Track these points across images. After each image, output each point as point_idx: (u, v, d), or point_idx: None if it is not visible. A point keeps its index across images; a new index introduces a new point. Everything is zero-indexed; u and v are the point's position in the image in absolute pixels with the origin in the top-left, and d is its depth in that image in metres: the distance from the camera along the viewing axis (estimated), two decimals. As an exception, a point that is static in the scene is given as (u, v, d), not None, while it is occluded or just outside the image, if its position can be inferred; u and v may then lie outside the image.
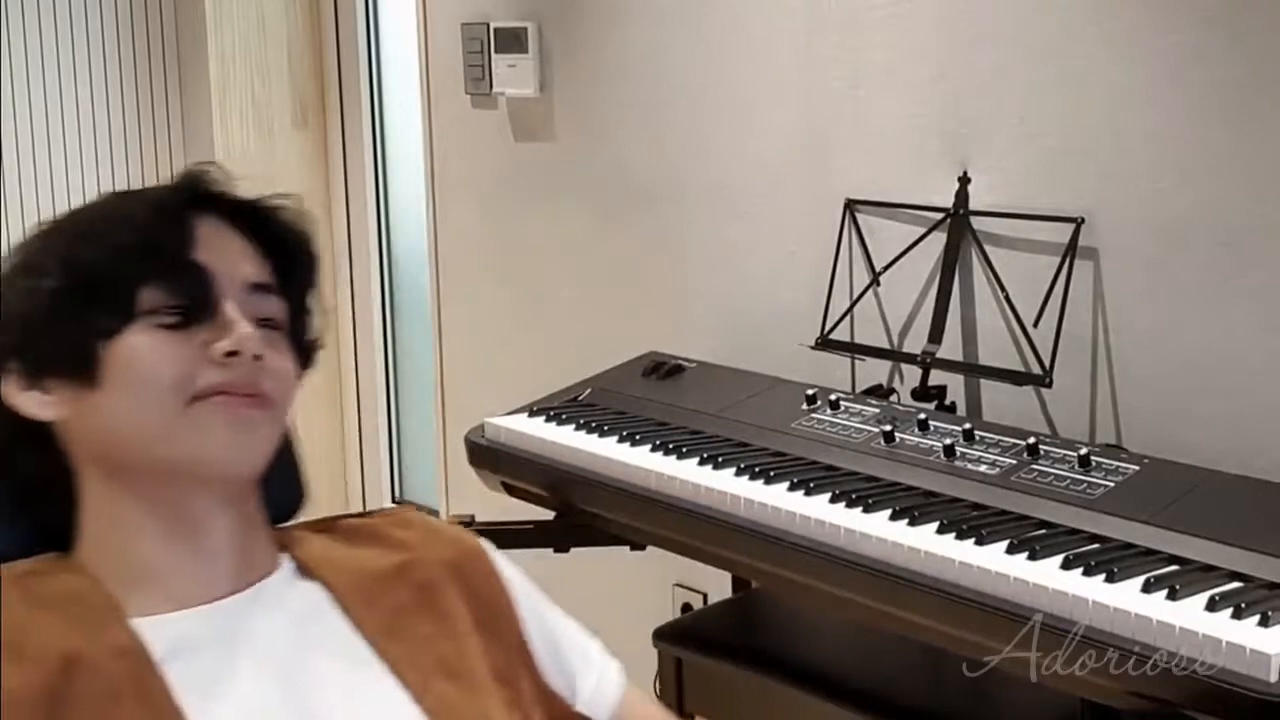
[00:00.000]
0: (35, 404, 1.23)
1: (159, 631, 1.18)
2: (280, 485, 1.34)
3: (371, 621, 1.25)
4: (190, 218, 1.25)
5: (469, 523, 2.52)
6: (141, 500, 1.22)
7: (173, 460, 1.20)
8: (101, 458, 1.23)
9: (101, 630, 1.17)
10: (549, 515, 2.52)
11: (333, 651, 1.24)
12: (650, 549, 2.43)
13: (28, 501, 1.27)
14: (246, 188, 1.31)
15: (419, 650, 1.25)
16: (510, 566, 1.39)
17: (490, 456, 2.55)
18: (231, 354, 1.20)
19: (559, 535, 2.51)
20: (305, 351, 1.32)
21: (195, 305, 1.21)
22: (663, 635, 2.48)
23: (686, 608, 3.03)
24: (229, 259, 1.25)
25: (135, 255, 1.21)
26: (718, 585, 2.84)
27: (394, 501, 4.54)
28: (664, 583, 3.10)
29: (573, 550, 2.53)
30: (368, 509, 4.55)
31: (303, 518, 1.42)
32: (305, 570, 1.29)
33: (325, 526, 1.37)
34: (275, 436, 1.26)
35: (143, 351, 1.20)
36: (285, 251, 1.30)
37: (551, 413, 2.54)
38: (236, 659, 1.20)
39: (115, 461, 1.22)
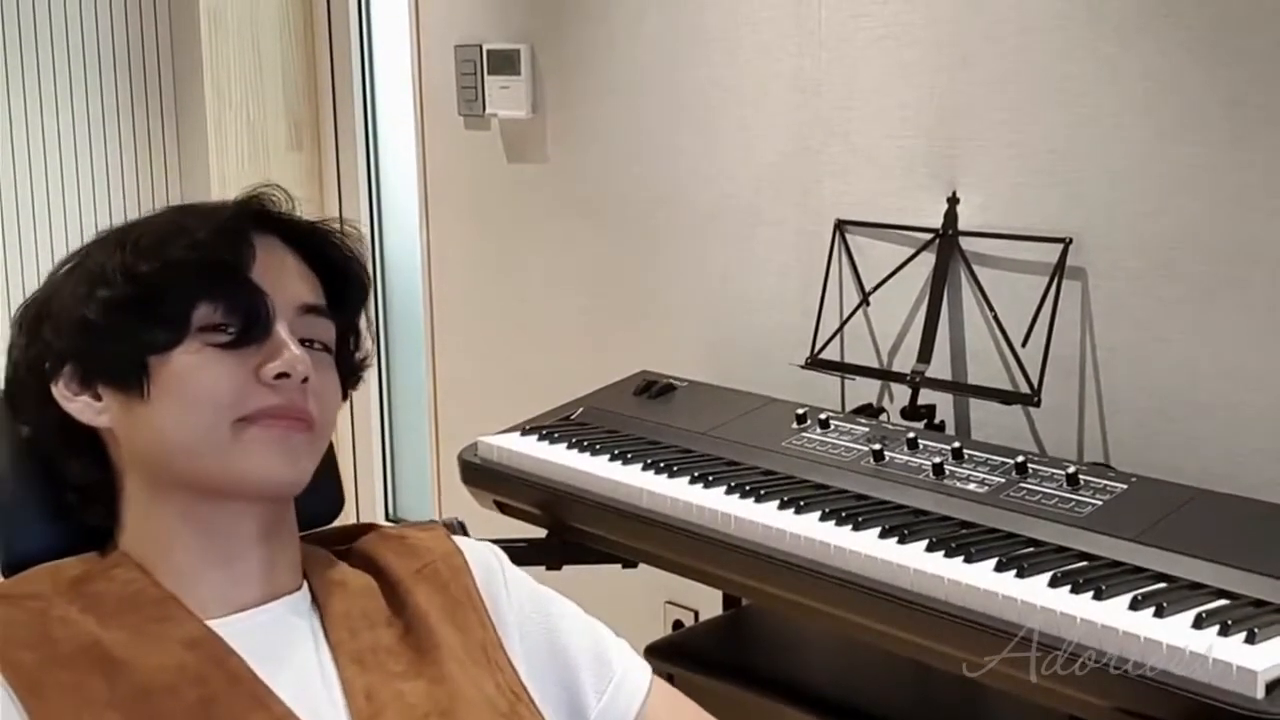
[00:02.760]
0: (87, 411, 1.26)
1: None
2: (318, 496, 1.38)
3: (346, 652, 1.26)
4: (250, 237, 1.27)
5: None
6: (180, 512, 1.25)
7: (217, 477, 1.23)
8: (146, 468, 1.25)
9: (169, 624, 1.20)
10: (541, 533, 2.52)
11: (311, 675, 1.25)
12: (642, 566, 2.44)
13: (73, 502, 1.30)
14: (304, 211, 1.33)
15: (380, 683, 1.25)
16: (506, 573, 1.40)
17: (483, 475, 2.56)
18: (281, 375, 1.23)
19: (551, 553, 2.51)
20: (351, 373, 1.37)
21: (249, 326, 1.23)
22: (654, 652, 2.48)
23: (678, 625, 3.03)
24: (283, 280, 1.27)
25: (193, 272, 1.23)
26: (709, 602, 2.85)
27: (387, 519, 4.55)
28: (655, 600, 3.11)
29: (565, 568, 2.53)
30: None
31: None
32: (316, 599, 1.30)
33: (348, 547, 1.39)
34: (318, 457, 1.29)
35: (195, 369, 1.22)
36: (338, 275, 1.33)
37: (544, 431, 2.55)
38: (272, 656, 1.23)
39: (159, 473, 1.24)
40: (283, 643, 1.25)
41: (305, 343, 1.27)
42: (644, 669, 1.41)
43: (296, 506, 1.33)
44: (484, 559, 1.40)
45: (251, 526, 1.26)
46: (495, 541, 2.54)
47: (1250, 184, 2.13)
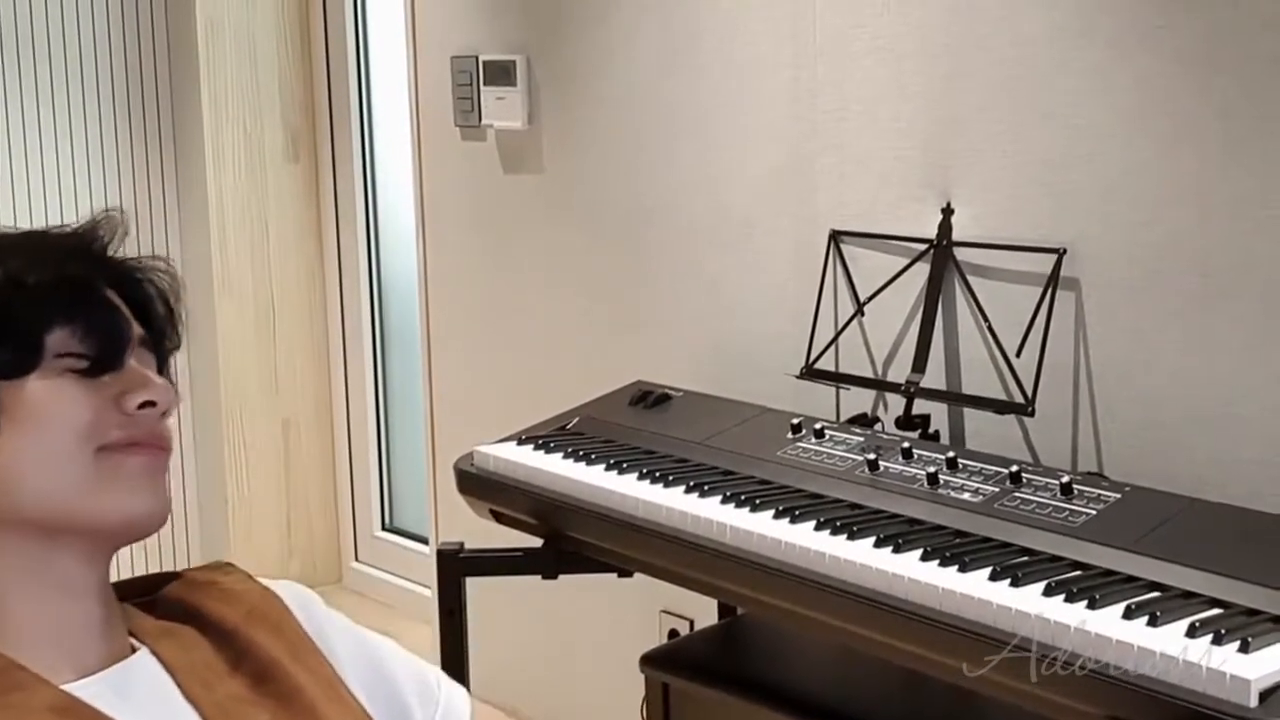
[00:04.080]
0: None
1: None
2: None
3: (208, 706, 1.20)
4: (100, 263, 1.22)
5: (456, 551, 2.54)
6: (18, 560, 1.15)
7: (76, 513, 1.15)
8: None
9: (24, 693, 1.12)
10: (538, 542, 2.52)
11: None
12: (637, 576, 2.45)
13: None
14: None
15: None
16: (321, 608, 1.35)
17: (479, 484, 2.57)
18: (146, 405, 1.17)
19: (547, 562, 2.52)
20: None
21: (106, 354, 1.17)
22: (650, 661, 2.49)
23: (673, 634, 3.04)
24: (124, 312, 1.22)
25: (48, 290, 1.16)
26: (704, 611, 2.85)
27: (384, 529, 4.55)
28: (651, 609, 3.11)
29: (561, 577, 2.54)
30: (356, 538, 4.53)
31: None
32: (156, 654, 1.22)
33: (151, 598, 1.30)
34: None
35: (52, 396, 1.14)
36: (153, 317, 1.26)
37: (540, 441, 2.56)
38: (144, 716, 1.16)
39: (13, 510, 1.14)
40: (148, 702, 1.17)
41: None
42: (464, 695, 1.39)
43: None
44: (298, 598, 1.33)
45: (93, 576, 1.18)
46: (491, 551, 2.58)
47: (1243, 195, 2.14)
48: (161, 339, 1.26)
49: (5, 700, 1.10)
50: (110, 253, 1.24)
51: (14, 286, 1.15)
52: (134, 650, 1.21)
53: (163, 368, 1.27)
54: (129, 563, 2.70)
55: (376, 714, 1.29)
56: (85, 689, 1.14)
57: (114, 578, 1.24)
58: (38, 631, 1.15)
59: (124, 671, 1.18)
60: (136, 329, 1.22)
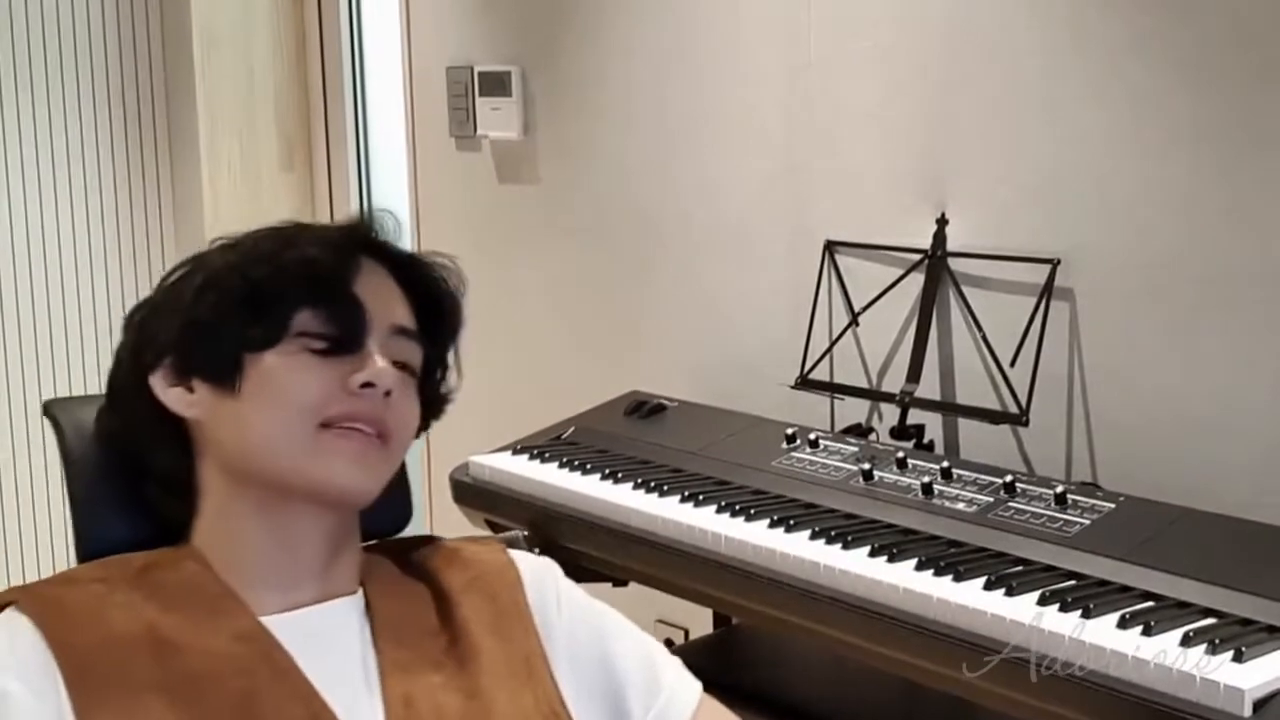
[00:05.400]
0: (179, 401, 1.31)
1: None
2: (386, 507, 1.42)
3: (391, 659, 1.29)
4: (357, 256, 1.34)
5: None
6: (253, 508, 1.30)
7: (292, 478, 1.27)
8: (226, 461, 1.30)
9: (223, 617, 1.25)
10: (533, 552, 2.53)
11: (355, 677, 1.28)
12: (632, 585, 2.45)
13: (152, 495, 1.36)
14: (410, 242, 1.39)
15: (420, 692, 1.27)
16: (558, 588, 1.43)
17: (475, 494, 2.57)
18: (366, 385, 1.28)
19: (542, 572, 2.52)
20: (433, 404, 1.43)
21: (344, 336, 1.29)
22: (645, 672, 2.49)
23: (668, 643, 3.03)
24: (381, 300, 1.34)
25: (301, 279, 1.29)
26: (699, 621, 2.85)
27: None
28: (646, 618, 3.10)
29: (556, 587, 2.54)
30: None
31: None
32: (369, 602, 1.34)
33: (407, 557, 1.42)
34: (390, 474, 1.33)
35: (287, 370, 1.27)
36: (433, 306, 1.41)
37: (535, 451, 2.56)
38: (319, 655, 1.26)
39: (238, 467, 1.29)
40: (331, 643, 1.28)
41: (393, 364, 1.31)
42: (693, 686, 1.43)
43: (364, 516, 1.37)
44: (538, 572, 1.43)
45: (319, 530, 1.31)
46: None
47: (1237, 205, 2.15)
48: (433, 329, 1.40)
49: (202, 619, 1.24)
50: (391, 243, 1.39)
51: (277, 272, 1.30)
52: (352, 594, 1.33)
53: (436, 357, 1.41)
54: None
55: (585, 697, 1.35)
56: (280, 621, 1.27)
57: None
58: (259, 564, 1.29)
59: (324, 611, 1.30)
60: (394, 318, 1.34)
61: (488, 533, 2.59)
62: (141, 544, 1.34)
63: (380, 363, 1.29)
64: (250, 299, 1.29)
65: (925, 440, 2.46)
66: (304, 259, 1.30)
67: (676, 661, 1.44)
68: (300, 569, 1.31)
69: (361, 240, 1.36)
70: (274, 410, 1.27)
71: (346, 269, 1.32)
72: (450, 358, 1.46)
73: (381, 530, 1.48)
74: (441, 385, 1.45)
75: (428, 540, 1.47)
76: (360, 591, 1.34)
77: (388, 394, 1.30)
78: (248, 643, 1.24)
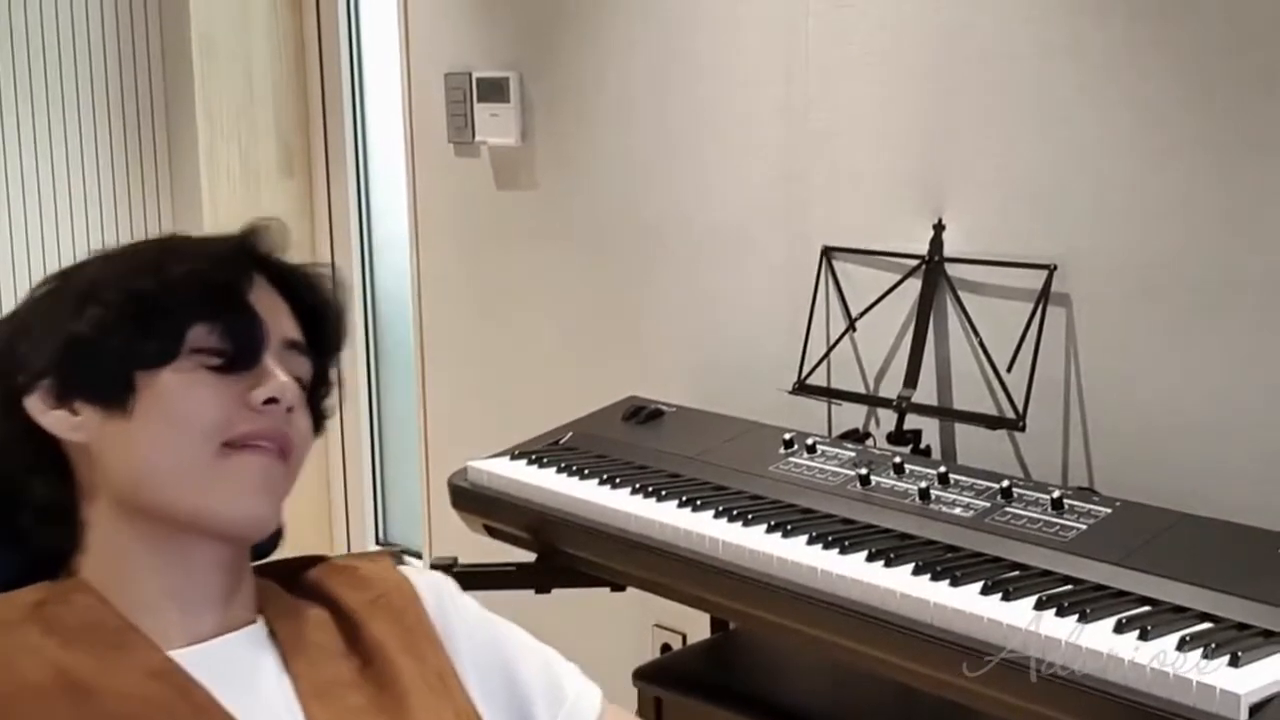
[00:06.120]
0: (62, 424, 1.24)
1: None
2: None
3: (307, 684, 1.25)
4: (250, 268, 1.29)
5: (449, 565, 2.54)
6: (146, 537, 1.23)
7: (191, 508, 1.22)
8: (117, 488, 1.23)
9: (129, 653, 1.19)
10: (531, 557, 2.53)
11: (276, 706, 1.24)
12: (630, 590, 2.45)
13: (27, 526, 1.27)
14: (294, 252, 1.34)
15: (342, 716, 1.24)
16: (455, 601, 1.40)
17: (473, 499, 2.57)
18: (269, 402, 1.23)
19: (540, 577, 2.53)
20: (317, 421, 1.36)
21: (241, 351, 1.24)
22: (643, 675, 2.50)
23: (666, 648, 3.04)
24: (273, 313, 1.28)
25: (193, 292, 1.24)
26: (697, 626, 2.86)
27: (377, 543, 4.55)
28: (644, 623, 3.12)
29: (554, 591, 2.55)
30: (350, 551, 4.55)
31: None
32: (272, 629, 1.29)
33: (296, 579, 1.37)
34: (288, 493, 1.28)
35: (185, 389, 1.22)
36: (318, 319, 1.34)
37: (533, 456, 2.56)
38: (236, 687, 1.21)
39: (130, 494, 1.23)
40: (245, 674, 1.23)
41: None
42: (594, 692, 1.41)
43: None
44: (433, 587, 1.39)
45: (218, 561, 1.25)
46: (485, 565, 2.58)
47: (1233, 210, 2.15)
48: (319, 342, 1.34)
49: (110, 658, 1.18)
50: (276, 256, 1.32)
51: (165, 285, 1.23)
52: (253, 623, 1.28)
53: (322, 370, 1.34)
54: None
55: (492, 708, 1.33)
56: (189, 656, 1.21)
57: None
58: (157, 598, 1.23)
59: (231, 642, 1.25)
60: (285, 331, 1.29)
61: (485, 537, 2.60)
62: (12, 581, 1.24)
63: (283, 377, 1.25)
64: (140, 313, 1.22)
65: (922, 445, 2.46)
66: (195, 271, 1.25)
67: (574, 667, 1.43)
68: (201, 601, 1.25)
69: (251, 252, 1.30)
70: (172, 432, 1.21)
71: (240, 281, 1.26)
72: (333, 373, 1.38)
73: (260, 551, 1.39)
74: (326, 400, 1.38)
75: (314, 560, 1.40)
76: (260, 619, 1.29)
77: (290, 409, 1.25)
78: (162, 680, 1.18)
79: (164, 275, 1.24)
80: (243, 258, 1.29)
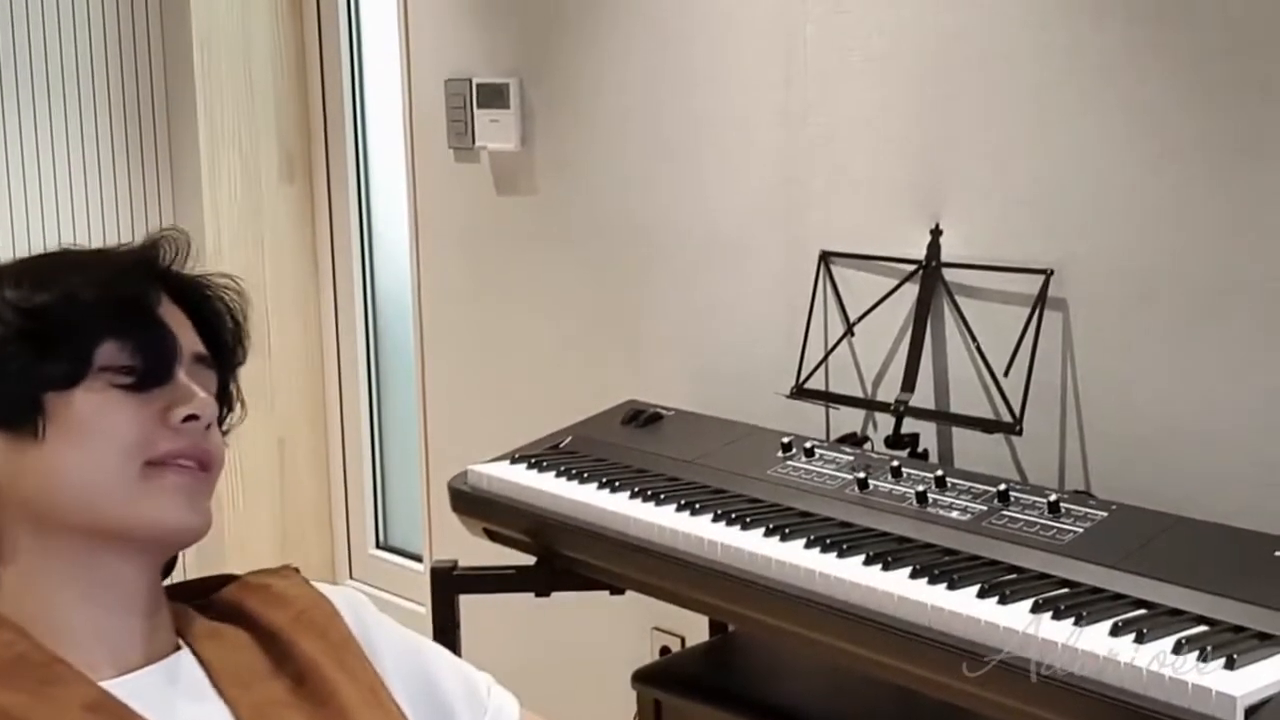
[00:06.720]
0: None
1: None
2: None
3: (244, 706, 1.23)
4: (156, 281, 1.25)
5: (450, 568, 2.55)
6: (67, 564, 1.19)
7: (119, 523, 1.18)
8: (32, 515, 1.18)
9: (61, 687, 1.15)
10: (530, 560, 2.54)
11: None
12: (629, 593, 2.46)
13: None
14: (192, 263, 1.30)
15: None
16: (372, 614, 1.38)
17: (473, 503, 2.58)
18: (190, 419, 1.20)
19: (540, 580, 2.53)
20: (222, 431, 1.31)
21: (154, 368, 1.20)
22: (642, 677, 2.51)
23: (665, 650, 3.04)
24: (181, 328, 1.24)
25: (100, 307, 1.19)
26: (695, 628, 2.86)
27: (378, 548, 4.56)
28: (643, 626, 3.12)
29: (554, 594, 2.55)
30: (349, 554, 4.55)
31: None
32: (198, 654, 1.26)
33: (207, 600, 1.33)
34: (211, 497, 1.24)
35: (99, 409, 1.17)
36: (221, 332, 1.30)
37: (533, 460, 2.57)
38: (175, 715, 1.19)
39: (47, 519, 1.18)
40: (181, 701, 1.20)
41: None
42: (512, 699, 1.41)
43: None
44: (349, 602, 1.37)
45: (142, 579, 1.22)
46: (485, 569, 2.59)
47: (1230, 215, 2.16)
48: (222, 355, 1.30)
49: (43, 693, 1.13)
50: (175, 269, 1.28)
51: (68, 301, 1.18)
52: (178, 649, 1.25)
53: (226, 384, 1.31)
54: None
55: (418, 719, 1.31)
56: (122, 686, 1.17)
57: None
58: (82, 628, 1.19)
59: (162, 670, 1.22)
60: (193, 345, 1.25)
61: (485, 541, 2.61)
62: None
63: (201, 394, 1.21)
64: (41, 333, 1.16)
65: (920, 449, 2.47)
66: (100, 285, 1.19)
67: (488, 676, 1.42)
68: (123, 628, 1.20)
69: (153, 264, 1.26)
70: (91, 454, 1.16)
71: (148, 295, 1.22)
72: (233, 385, 1.33)
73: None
74: (229, 416, 1.32)
75: (224, 580, 1.35)
76: (183, 645, 1.25)
77: (209, 425, 1.22)
78: (100, 713, 1.13)
79: (66, 290, 1.19)
80: (147, 270, 1.25)
